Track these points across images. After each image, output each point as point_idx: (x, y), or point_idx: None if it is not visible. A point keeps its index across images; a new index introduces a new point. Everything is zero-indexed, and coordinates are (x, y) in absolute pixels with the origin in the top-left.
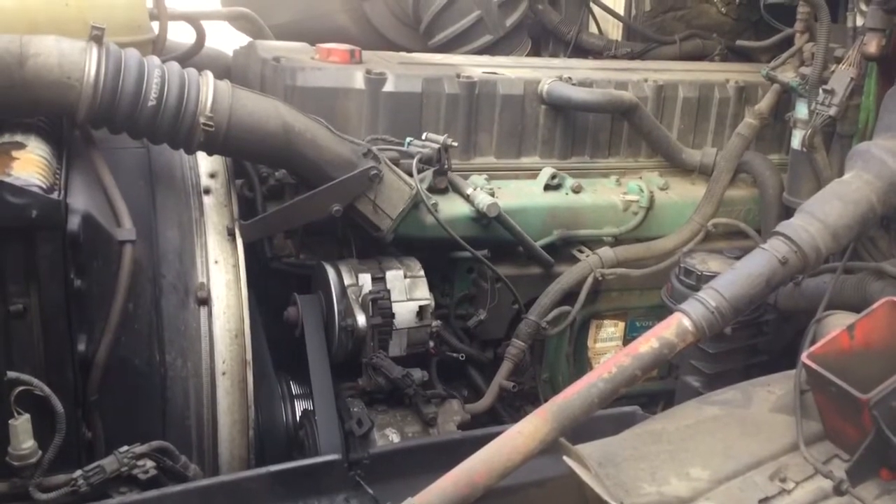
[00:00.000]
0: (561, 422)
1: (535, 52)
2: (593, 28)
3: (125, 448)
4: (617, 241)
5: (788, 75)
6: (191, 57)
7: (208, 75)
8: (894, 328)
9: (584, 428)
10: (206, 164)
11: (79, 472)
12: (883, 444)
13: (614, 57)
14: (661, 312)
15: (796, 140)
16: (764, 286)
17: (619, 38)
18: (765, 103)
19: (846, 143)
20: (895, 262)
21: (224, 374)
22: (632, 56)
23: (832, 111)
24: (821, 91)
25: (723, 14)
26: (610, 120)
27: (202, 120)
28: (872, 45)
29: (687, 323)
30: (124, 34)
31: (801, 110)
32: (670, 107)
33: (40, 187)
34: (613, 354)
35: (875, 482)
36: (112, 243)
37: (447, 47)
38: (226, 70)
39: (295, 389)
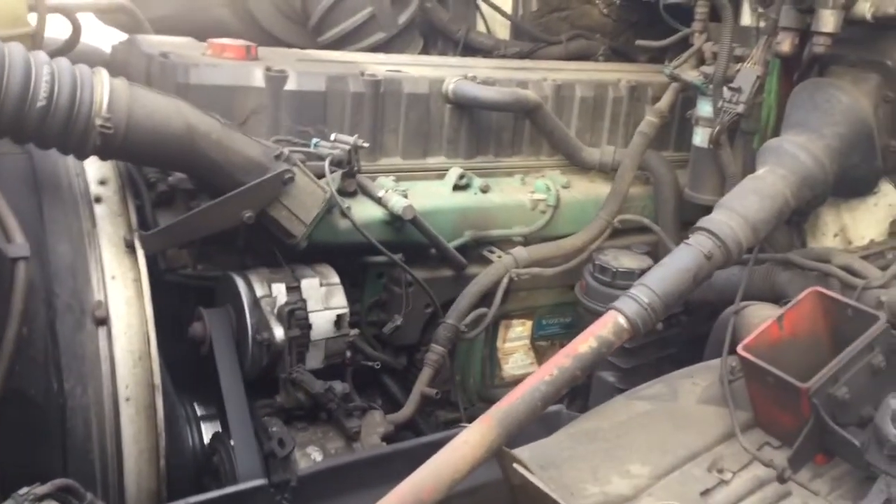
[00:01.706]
0: (506, 427)
1: (425, 50)
2: (481, 27)
3: (25, 490)
4: (526, 240)
5: (691, 74)
6: (66, 52)
7: (103, 73)
8: (818, 317)
9: None
10: (95, 171)
11: None
12: (821, 430)
13: (504, 56)
14: (565, 310)
15: (698, 137)
16: (691, 281)
17: (507, 38)
18: (664, 102)
19: (749, 139)
20: (802, 253)
21: (128, 399)
22: (521, 55)
23: (740, 108)
24: (726, 89)
25: (604, 15)
26: (513, 119)
27: (99, 122)
28: (786, 44)
29: (622, 320)
30: (2, 27)
31: (704, 108)
32: (568, 106)
33: None
34: (522, 353)
35: (808, 466)
36: (3, 261)
37: (338, 45)
38: (104, 67)
39: (200, 411)
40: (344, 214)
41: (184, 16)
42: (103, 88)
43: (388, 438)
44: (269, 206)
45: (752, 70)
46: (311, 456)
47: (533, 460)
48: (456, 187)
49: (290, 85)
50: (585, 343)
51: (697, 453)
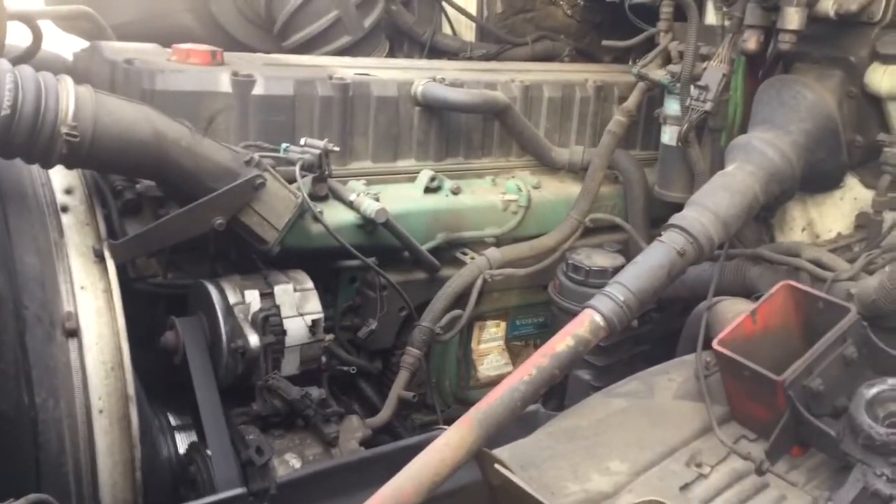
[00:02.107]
0: (486, 429)
1: (391, 53)
2: (447, 29)
3: None
4: (498, 241)
5: (658, 73)
6: (27, 60)
7: (67, 80)
8: (790, 310)
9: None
10: (61, 180)
11: None
12: (796, 422)
13: (470, 58)
14: (538, 310)
15: (667, 135)
16: (665, 278)
17: (473, 40)
18: (632, 101)
19: (717, 136)
20: (772, 247)
21: (101, 411)
22: (487, 57)
23: (707, 106)
24: (693, 88)
25: (568, 16)
26: (482, 120)
27: (65, 130)
28: (752, 42)
29: (598, 319)
30: None
31: (672, 107)
32: (537, 106)
33: None
34: (496, 354)
35: (784, 458)
36: None
37: (304, 48)
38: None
39: (175, 421)
40: (316, 219)
41: (146, 22)
42: (69, 96)
43: (366, 443)
44: (240, 212)
45: (719, 68)
46: (289, 463)
47: (513, 460)
48: (427, 189)
49: (258, 89)
50: (563, 342)
51: (675, 448)
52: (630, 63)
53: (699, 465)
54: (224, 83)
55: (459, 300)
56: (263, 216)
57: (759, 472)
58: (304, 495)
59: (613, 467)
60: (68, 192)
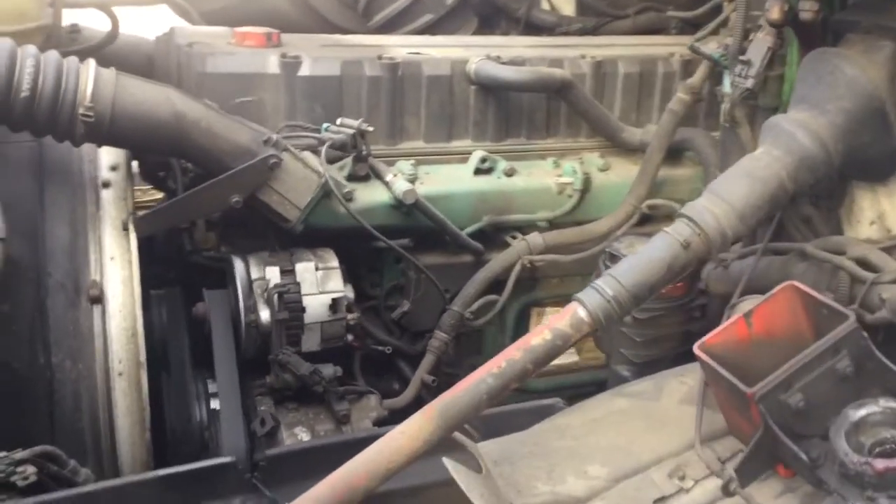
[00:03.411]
0: (447, 420)
1: (487, 30)
2: (545, 4)
3: (3, 454)
4: (552, 225)
5: (711, 46)
6: (105, 46)
7: (90, 63)
8: (798, 315)
9: (504, 422)
10: (109, 157)
11: None
12: (772, 439)
13: (566, 33)
14: None
15: (722, 115)
16: (665, 272)
17: (573, 14)
18: (696, 77)
19: (770, 115)
20: (819, 243)
21: (121, 374)
22: (584, 32)
23: (749, 83)
24: (738, 62)
25: None
26: (546, 99)
27: (81, 110)
28: (775, 11)
29: (582, 313)
30: (7, 22)
31: (726, 83)
32: (611, 84)
33: None
34: None
35: (776, 479)
36: None
37: (387, 28)
38: (147, 59)
39: (211, 388)
40: (339, 200)
41: (242, 6)
42: (88, 78)
43: (380, 423)
44: (259, 190)
45: (764, 40)
46: (298, 436)
47: (491, 454)
48: (478, 171)
49: (304, 70)
50: (539, 335)
51: (662, 458)
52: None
53: (682, 478)
54: (272, 65)
55: (501, 286)
56: (283, 195)
57: (727, 492)
58: (295, 469)
59: (592, 471)
60: (113, 168)
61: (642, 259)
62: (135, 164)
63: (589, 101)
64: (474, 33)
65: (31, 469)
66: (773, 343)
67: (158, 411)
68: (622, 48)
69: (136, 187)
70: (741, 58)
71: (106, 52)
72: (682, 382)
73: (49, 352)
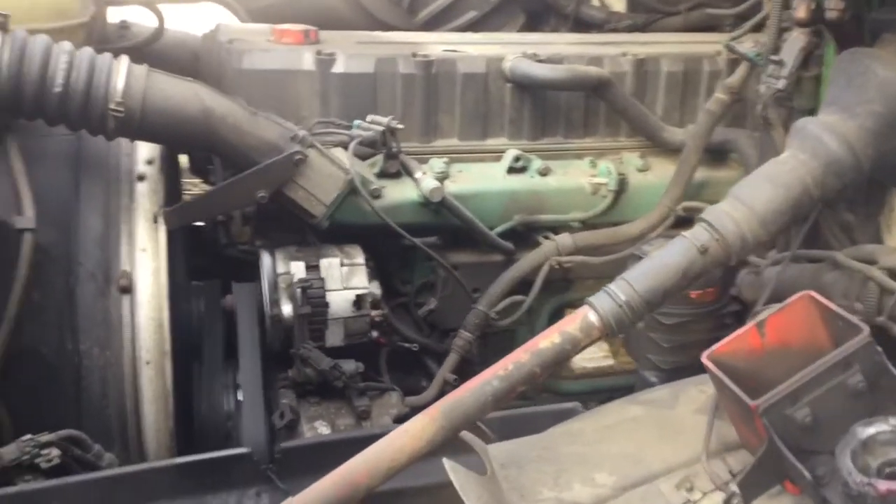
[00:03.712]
0: (451, 421)
1: (535, 27)
2: (595, 0)
3: (28, 436)
4: (585, 226)
5: (747, 45)
6: (152, 43)
7: (123, 60)
8: (815, 326)
9: (521, 425)
10: (145, 151)
11: None
12: (777, 455)
13: (615, 30)
14: None
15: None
16: (680, 277)
17: (622, 10)
18: (736, 77)
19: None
20: (851, 251)
21: (148, 363)
22: (633, 28)
23: (780, 84)
24: (770, 62)
25: None
26: (584, 98)
27: (111, 105)
28: (801, 10)
29: (593, 318)
30: (49, 19)
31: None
32: (653, 82)
33: None
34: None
35: (785, 496)
36: (8, 232)
37: (432, 24)
38: (193, 55)
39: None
40: (364, 197)
41: (289, 4)
42: (119, 74)
43: (401, 420)
44: (285, 186)
45: (798, 39)
46: (318, 430)
47: (499, 457)
48: (511, 169)
49: (338, 68)
50: (548, 339)
51: (673, 468)
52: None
53: (690, 490)
54: (307, 62)
55: (530, 286)
56: (309, 191)
57: None
58: (310, 463)
59: (600, 479)
60: (149, 162)
61: (657, 264)
62: (184, 158)
63: (628, 99)
64: (521, 30)
65: (55, 452)
66: (788, 354)
67: (189, 401)
68: (668, 46)
69: (185, 180)
70: (773, 57)
71: (153, 48)
72: (701, 391)
73: (77, 339)
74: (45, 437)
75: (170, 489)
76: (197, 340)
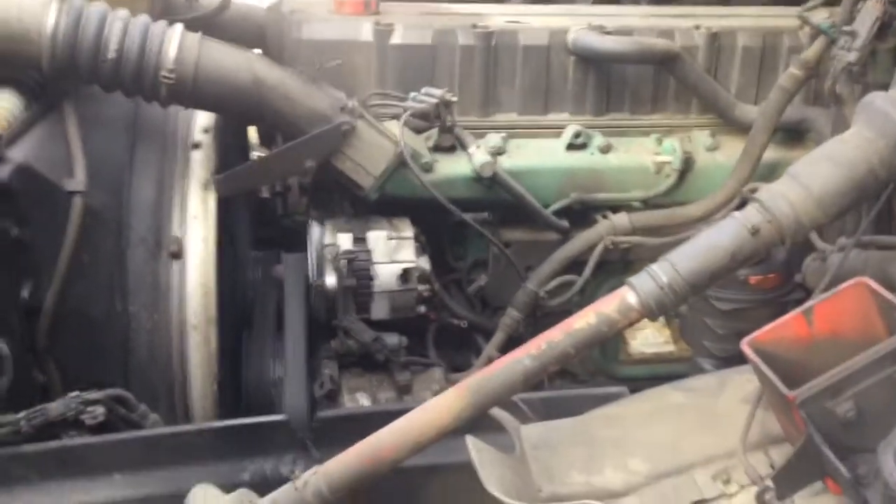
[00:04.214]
0: (479, 398)
1: None
2: None
3: (76, 393)
4: (646, 205)
5: (820, 16)
6: (218, 14)
7: (176, 28)
8: (870, 316)
9: (565, 406)
10: (203, 119)
11: (23, 414)
12: (816, 451)
13: (696, 3)
14: None
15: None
16: (728, 260)
17: None
18: (812, 51)
19: None
20: None
21: (195, 328)
22: (713, 0)
23: (852, 56)
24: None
25: None
26: (653, 72)
27: (163, 72)
28: None
29: (632, 299)
30: None
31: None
32: (727, 57)
33: None
34: (653, 330)
35: (826, 495)
36: (60, 194)
37: None
38: (259, 28)
39: None
40: (413, 170)
41: None
42: (172, 42)
43: None
44: (333, 157)
45: (873, 9)
46: (359, 401)
47: (532, 438)
48: (570, 146)
49: (396, 39)
50: (583, 319)
51: (711, 458)
52: None
53: (727, 482)
54: (365, 32)
55: (583, 267)
56: (358, 162)
57: (761, 502)
58: (346, 433)
59: (633, 465)
60: (206, 130)
61: (703, 244)
62: (252, 129)
63: (699, 74)
64: (595, 1)
65: (100, 409)
66: (839, 345)
67: (238, 367)
68: (745, 19)
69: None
70: (846, 28)
71: (220, 20)
72: (749, 380)
73: (127, 301)
74: (92, 394)
75: (208, 451)
76: (251, 309)
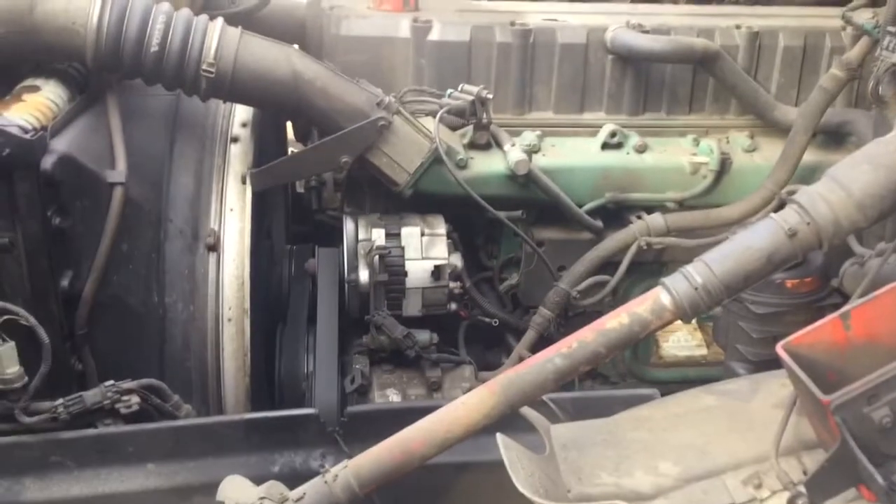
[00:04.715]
0: (509, 396)
1: None
2: None
3: (111, 382)
4: (682, 207)
5: (864, 16)
6: (260, 10)
7: (218, 22)
8: None
9: (596, 407)
10: (241, 114)
11: (60, 401)
12: (851, 457)
13: (736, 2)
14: None
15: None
16: (764, 262)
17: None
18: (855, 52)
19: None
20: None
21: (230, 320)
22: (756, 1)
23: (895, 57)
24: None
25: None
26: (691, 72)
27: (204, 66)
28: None
29: (666, 300)
30: None
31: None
32: (768, 57)
33: (21, 128)
34: (686, 333)
35: (862, 502)
36: (101, 185)
37: None
38: (299, 23)
39: None
40: (448, 166)
41: None
42: (213, 36)
43: None
44: (368, 152)
45: None
46: (389, 397)
47: (562, 438)
48: (605, 145)
49: (434, 35)
50: (616, 319)
51: (742, 463)
52: None
53: (758, 487)
54: (403, 29)
55: (616, 267)
56: (393, 158)
57: None
58: (375, 429)
59: (663, 468)
60: (244, 125)
61: (740, 246)
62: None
63: (737, 74)
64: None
65: (135, 399)
66: (876, 350)
67: (273, 360)
68: (787, 19)
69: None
70: (891, 28)
71: (261, 15)
72: (782, 385)
73: (163, 292)
74: (127, 384)
75: (239, 443)
76: (286, 302)
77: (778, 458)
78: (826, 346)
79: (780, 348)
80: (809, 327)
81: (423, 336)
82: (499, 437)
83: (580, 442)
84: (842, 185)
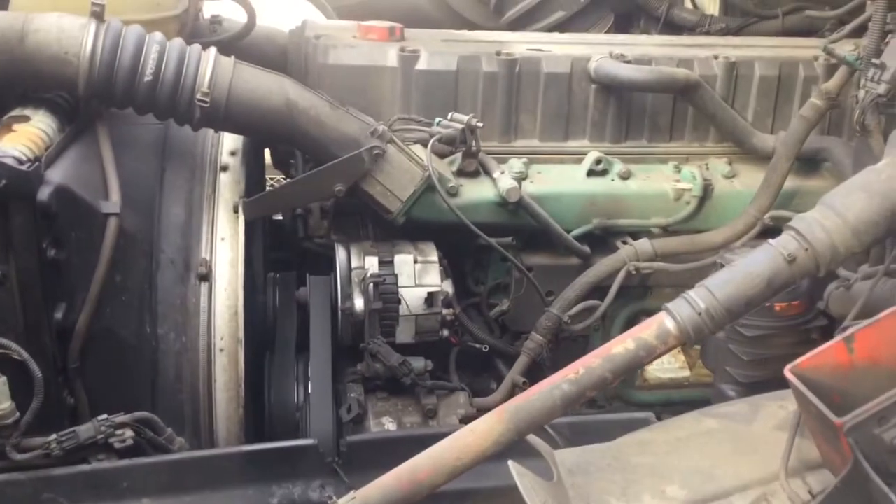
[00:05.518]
0: (517, 423)
1: (624, 28)
2: (688, 2)
3: (104, 416)
4: (666, 232)
5: (847, 49)
6: (243, 37)
7: (211, 51)
8: None
9: (592, 431)
10: (229, 142)
11: (53, 437)
12: (862, 478)
13: (707, 33)
14: None
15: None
16: (764, 287)
17: (716, 13)
18: (833, 82)
19: None
20: None
21: (222, 350)
22: (727, 32)
23: (881, 89)
24: (871, 66)
25: None
26: (671, 101)
27: (198, 95)
28: None
29: (670, 325)
30: (142, 11)
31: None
32: (744, 87)
33: (17, 159)
34: (669, 356)
35: None
36: (95, 216)
37: (519, 24)
38: (282, 50)
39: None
40: (441, 194)
41: (376, 2)
42: (207, 65)
43: (468, 421)
44: (362, 180)
45: None
46: (385, 426)
47: (566, 463)
48: (591, 172)
49: (421, 64)
50: (621, 344)
51: (748, 485)
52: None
53: None
54: (391, 58)
55: (604, 292)
56: (386, 186)
57: None
58: (375, 458)
59: (670, 492)
60: (233, 153)
61: (740, 271)
62: (267, 152)
63: (716, 103)
64: (610, 31)
65: (128, 433)
66: (878, 373)
67: (261, 390)
68: (762, 49)
69: (269, 176)
70: (875, 61)
71: (244, 43)
72: (781, 407)
73: (155, 323)
74: (120, 417)
75: (236, 476)
76: (271, 331)
77: (790, 479)
78: (830, 369)
79: (787, 371)
80: (815, 350)
81: (419, 363)
82: (511, 464)
83: (585, 467)
84: (837, 212)
